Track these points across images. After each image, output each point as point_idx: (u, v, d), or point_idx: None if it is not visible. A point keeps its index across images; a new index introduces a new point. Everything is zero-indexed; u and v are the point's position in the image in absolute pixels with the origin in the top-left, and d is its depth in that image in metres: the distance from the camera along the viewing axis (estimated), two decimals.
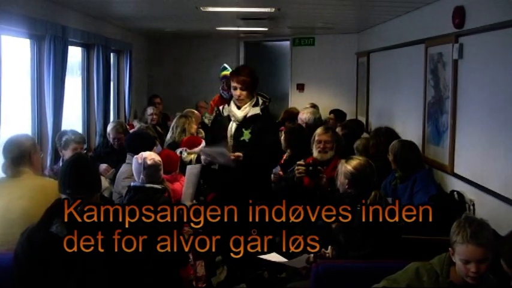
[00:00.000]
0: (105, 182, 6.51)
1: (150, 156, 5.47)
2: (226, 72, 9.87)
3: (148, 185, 5.35)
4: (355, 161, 4.97)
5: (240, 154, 6.16)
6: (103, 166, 6.97)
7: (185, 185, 6.00)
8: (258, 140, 6.31)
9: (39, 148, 5.00)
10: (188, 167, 6.25)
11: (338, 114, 10.24)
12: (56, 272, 3.74)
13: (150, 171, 5.37)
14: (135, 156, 5.53)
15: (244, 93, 6.33)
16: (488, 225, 3.68)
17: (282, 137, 7.18)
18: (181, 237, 5.47)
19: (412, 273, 3.77)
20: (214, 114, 7.19)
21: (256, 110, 6.37)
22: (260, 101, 6.44)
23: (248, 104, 6.38)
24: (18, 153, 4.70)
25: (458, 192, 5.70)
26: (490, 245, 3.55)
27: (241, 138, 6.33)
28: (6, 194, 4.55)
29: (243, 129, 6.33)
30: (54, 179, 4.53)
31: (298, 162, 5.70)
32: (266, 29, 11.48)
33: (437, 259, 3.77)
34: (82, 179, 3.78)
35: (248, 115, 6.35)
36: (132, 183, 5.46)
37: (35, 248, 3.77)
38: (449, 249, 3.69)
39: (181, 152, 7.04)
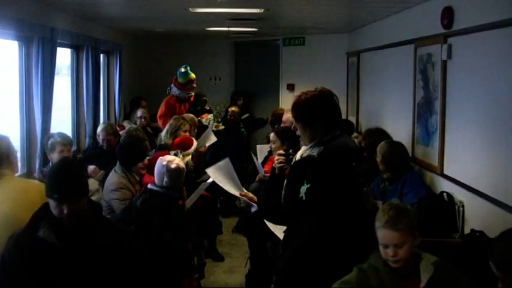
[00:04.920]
0: (94, 184, 6.48)
1: (175, 160, 5.49)
2: (193, 76, 9.91)
3: (165, 191, 5.36)
4: None
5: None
6: (91, 168, 6.94)
7: (194, 194, 6.00)
8: None
9: (14, 147, 4.91)
10: (203, 184, 6.25)
11: None
12: (43, 276, 3.73)
13: (173, 174, 5.36)
14: (160, 158, 5.55)
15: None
16: (408, 211, 3.76)
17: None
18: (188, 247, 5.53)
19: (357, 273, 3.80)
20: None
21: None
22: None
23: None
24: None
25: (447, 194, 5.69)
26: (408, 230, 3.64)
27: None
28: None
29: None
30: (43, 182, 4.48)
31: (278, 152, 5.48)
32: (256, 29, 11.47)
33: (372, 255, 3.82)
34: (70, 184, 3.75)
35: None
36: (149, 185, 5.45)
37: (22, 253, 3.76)
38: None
39: (176, 155, 7.00)
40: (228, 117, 10.00)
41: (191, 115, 9.11)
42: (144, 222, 4.98)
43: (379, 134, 7.06)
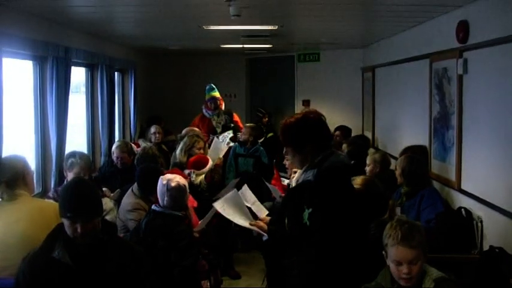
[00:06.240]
0: (109, 203, 6.44)
1: (175, 178, 5.37)
2: (215, 94, 9.94)
3: (168, 212, 5.26)
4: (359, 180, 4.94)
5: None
6: (104, 190, 6.88)
7: (207, 216, 5.88)
8: None
9: (30, 167, 4.93)
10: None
11: (344, 130, 10.16)
12: None
13: (173, 193, 5.27)
14: (161, 177, 5.42)
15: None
16: (419, 227, 3.73)
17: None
18: (202, 265, 5.48)
19: None
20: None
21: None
22: None
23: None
24: (11, 176, 4.64)
25: (465, 209, 5.63)
26: (421, 247, 3.61)
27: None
28: (3, 218, 4.48)
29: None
30: (57, 201, 4.46)
31: (294, 169, 5.34)
32: (270, 46, 11.46)
33: (380, 274, 3.80)
34: (82, 202, 3.73)
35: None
36: (153, 206, 5.39)
37: (36, 274, 3.74)
38: (383, 252, 3.74)
39: (189, 174, 6.95)
40: (242, 137, 9.70)
41: (197, 129, 9.13)
42: (150, 244, 4.93)
43: (420, 150, 6.99)
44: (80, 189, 3.84)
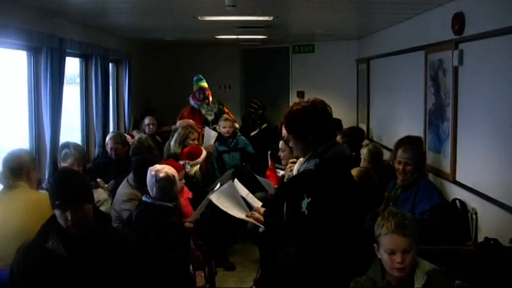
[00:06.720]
0: (103, 194, 6.43)
1: (164, 168, 5.34)
2: (204, 84, 9.92)
3: (158, 203, 5.24)
4: (355, 171, 4.93)
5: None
6: (99, 181, 6.87)
7: (200, 207, 5.83)
8: None
9: (38, 167, 4.96)
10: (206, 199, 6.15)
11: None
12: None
13: (162, 184, 5.25)
14: (150, 168, 5.40)
15: None
16: (411, 218, 3.75)
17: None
18: (197, 256, 5.48)
19: (353, 286, 3.78)
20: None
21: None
22: None
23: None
24: (17, 165, 4.70)
25: (460, 201, 5.63)
26: (414, 237, 3.62)
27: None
28: (0, 208, 4.49)
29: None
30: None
31: (291, 160, 5.27)
32: (265, 37, 11.44)
33: (371, 268, 3.79)
34: (70, 189, 3.73)
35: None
36: (144, 197, 5.37)
37: (31, 265, 3.73)
38: (374, 245, 3.74)
39: (184, 165, 6.94)
40: (225, 130, 9.53)
41: (191, 121, 9.09)
42: (141, 235, 4.92)
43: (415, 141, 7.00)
44: (66, 177, 3.89)
